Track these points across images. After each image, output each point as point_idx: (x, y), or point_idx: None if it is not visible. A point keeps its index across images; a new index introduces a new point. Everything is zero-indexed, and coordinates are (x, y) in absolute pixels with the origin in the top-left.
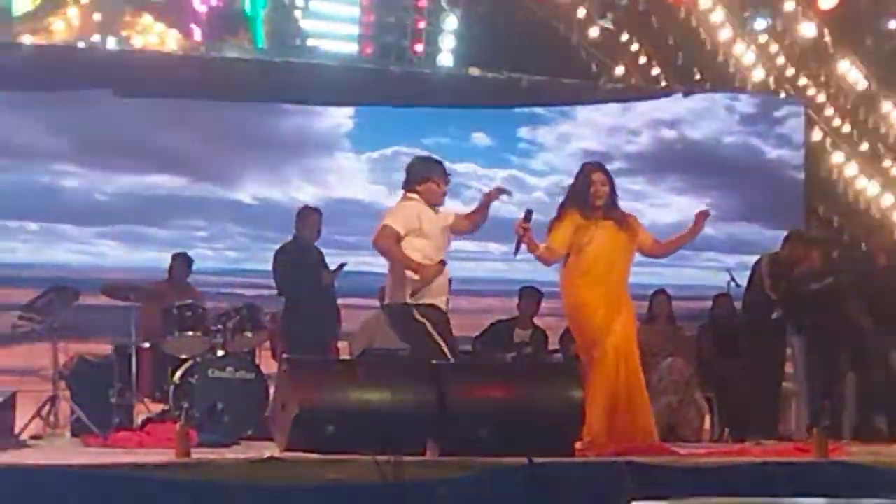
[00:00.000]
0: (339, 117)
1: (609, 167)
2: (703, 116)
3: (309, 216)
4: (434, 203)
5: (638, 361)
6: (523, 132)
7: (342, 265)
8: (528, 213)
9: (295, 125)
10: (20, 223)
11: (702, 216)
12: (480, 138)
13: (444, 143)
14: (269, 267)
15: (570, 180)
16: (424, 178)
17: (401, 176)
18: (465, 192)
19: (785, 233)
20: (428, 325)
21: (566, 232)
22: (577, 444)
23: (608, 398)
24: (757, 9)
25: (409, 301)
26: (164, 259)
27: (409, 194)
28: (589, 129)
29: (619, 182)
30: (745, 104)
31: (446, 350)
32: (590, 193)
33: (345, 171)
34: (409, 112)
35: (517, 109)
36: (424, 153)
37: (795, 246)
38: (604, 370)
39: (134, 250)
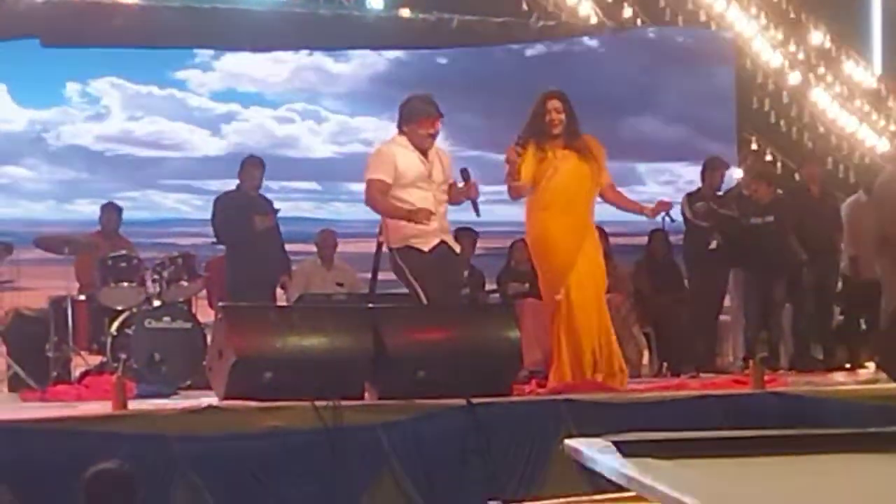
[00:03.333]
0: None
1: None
2: (633, 51)
3: (250, 166)
4: (420, 145)
5: (603, 297)
6: None
7: (275, 210)
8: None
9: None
10: None
11: (663, 206)
12: None
13: None
14: (199, 216)
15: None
16: (410, 119)
17: None
18: None
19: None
20: (406, 269)
21: (529, 165)
22: (544, 388)
23: (572, 337)
24: None
25: (394, 247)
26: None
27: (398, 136)
28: None
29: None
30: (677, 38)
31: (420, 294)
32: (545, 122)
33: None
34: None
35: None
36: None
37: (713, 173)
38: (566, 308)
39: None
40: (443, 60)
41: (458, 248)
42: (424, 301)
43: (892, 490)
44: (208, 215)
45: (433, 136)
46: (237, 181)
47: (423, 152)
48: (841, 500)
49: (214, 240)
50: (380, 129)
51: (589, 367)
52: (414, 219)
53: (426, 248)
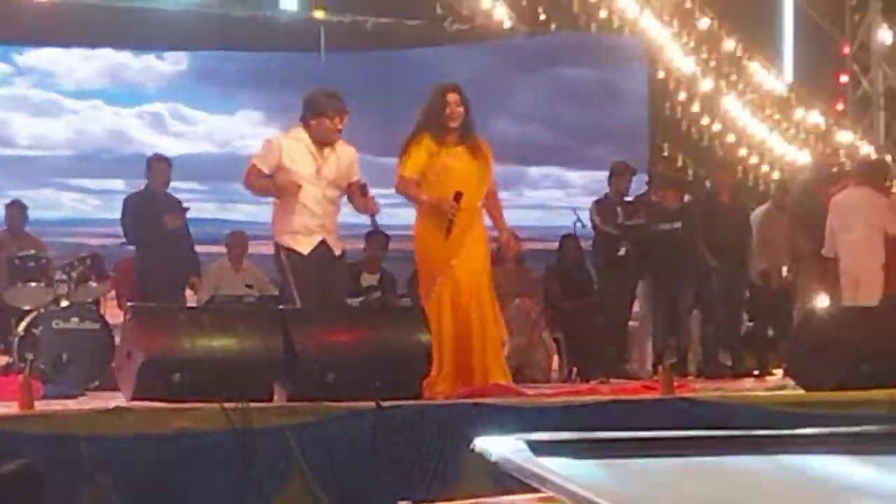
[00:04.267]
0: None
1: None
2: (547, 56)
3: (156, 165)
4: (325, 140)
5: (484, 298)
6: None
7: (185, 209)
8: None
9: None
10: None
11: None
12: None
13: None
14: (110, 216)
15: None
16: (317, 112)
17: None
18: None
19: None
20: (287, 267)
21: (420, 158)
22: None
23: (436, 338)
24: None
25: (279, 241)
26: None
27: (295, 128)
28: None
29: None
30: (590, 44)
31: (296, 297)
32: (444, 115)
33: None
34: None
35: None
36: None
37: (619, 179)
38: (431, 308)
39: None
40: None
41: (338, 251)
42: (298, 304)
43: (801, 490)
44: (106, 214)
45: (340, 131)
46: (144, 181)
47: (321, 147)
48: (747, 498)
49: (123, 240)
50: (232, 129)
51: (449, 374)
52: (281, 192)
53: (305, 251)
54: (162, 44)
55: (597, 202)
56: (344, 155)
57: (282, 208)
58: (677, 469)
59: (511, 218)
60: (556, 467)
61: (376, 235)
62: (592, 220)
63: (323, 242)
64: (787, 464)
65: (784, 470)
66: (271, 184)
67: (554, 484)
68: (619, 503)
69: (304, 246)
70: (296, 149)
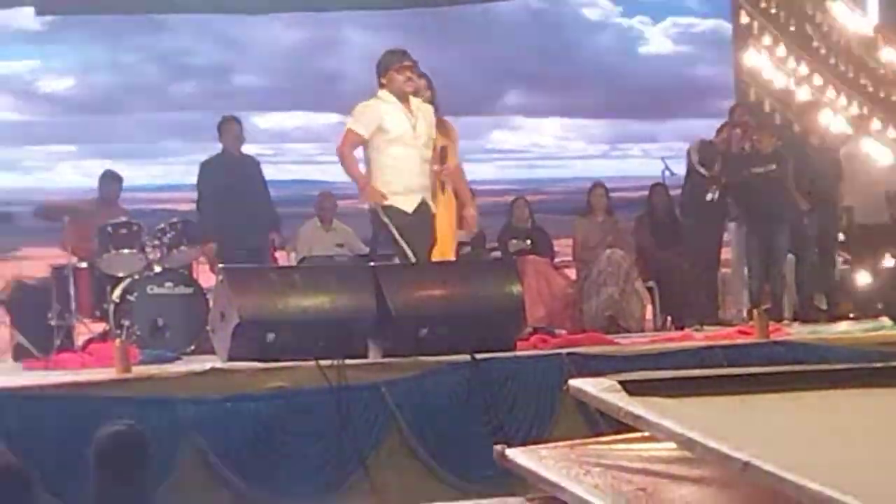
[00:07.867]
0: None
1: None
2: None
3: (228, 126)
4: (404, 92)
5: None
6: None
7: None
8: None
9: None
10: None
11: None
12: None
13: None
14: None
15: None
16: (386, 69)
17: None
18: None
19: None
20: (392, 227)
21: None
22: (547, 342)
23: None
24: None
25: (377, 203)
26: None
27: (381, 91)
28: None
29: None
30: None
31: (408, 253)
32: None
33: None
34: None
35: None
36: None
37: (730, 129)
38: None
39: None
40: None
41: (434, 209)
42: (413, 259)
43: (893, 423)
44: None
45: (411, 80)
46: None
47: (404, 102)
48: (843, 433)
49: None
50: None
51: None
52: (362, 189)
53: (409, 210)
54: (241, 9)
55: (701, 142)
56: (427, 112)
57: (380, 170)
58: (769, 404)
59: (600, 170)
60: (650, 406)
61: None
62: (689, 160)
63: (423, 202)
64: (880, 397)
65: (877, 403)
66: (361, 177)
67: (648, 422)
68: (713, 438)
69: (408, 205)
70: (391, 111)
